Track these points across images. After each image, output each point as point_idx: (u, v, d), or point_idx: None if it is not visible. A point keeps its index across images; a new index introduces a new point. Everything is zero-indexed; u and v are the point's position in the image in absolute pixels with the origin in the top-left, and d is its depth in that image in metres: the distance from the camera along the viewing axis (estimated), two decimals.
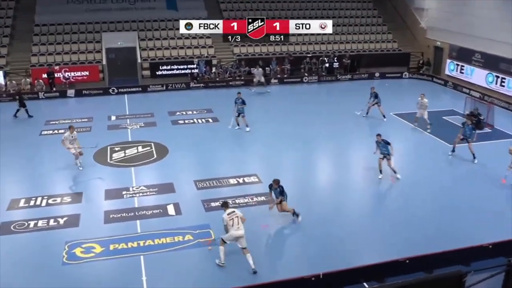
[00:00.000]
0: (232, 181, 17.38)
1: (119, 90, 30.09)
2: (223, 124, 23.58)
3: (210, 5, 36.86)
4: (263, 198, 15.99)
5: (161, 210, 15.25)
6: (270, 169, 18.73)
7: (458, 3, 32.83)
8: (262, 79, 30.80)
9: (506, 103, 27.87)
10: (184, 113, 25.69)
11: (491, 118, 23.89)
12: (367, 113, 24.39)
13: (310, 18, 35.65)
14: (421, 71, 35.60)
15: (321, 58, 34.39)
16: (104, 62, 31.82)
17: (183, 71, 32.32)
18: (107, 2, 34.75)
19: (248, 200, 15.96)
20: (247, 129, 22.32)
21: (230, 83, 32.08)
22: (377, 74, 34.98)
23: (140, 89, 30.55)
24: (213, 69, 32.55)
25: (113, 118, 24.90)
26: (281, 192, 14.21)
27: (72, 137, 18.17)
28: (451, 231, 14.07)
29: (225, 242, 12.18)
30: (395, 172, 17.48)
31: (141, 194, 16.34)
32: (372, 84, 26.52)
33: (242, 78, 32.50)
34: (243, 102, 22.20)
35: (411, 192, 16.76)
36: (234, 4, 37.56)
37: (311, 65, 34.13)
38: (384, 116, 24.05)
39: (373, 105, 24.26)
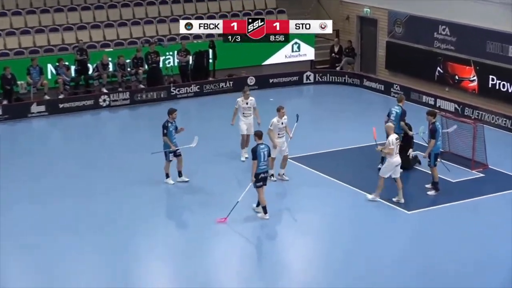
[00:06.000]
0: None
1: None
2: None
3: None
4: None
5: None
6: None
7: None
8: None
9: (494, 114, 29.21)
10: None
11: (481, 151, 24.46)
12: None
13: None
14: (337, 68, 35.36)
15: (134, 56, 33.06)
16: None
17: None
18: None
19: None
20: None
21: None
22: (251, 81, 34.22)
23: None
24: None
25: None
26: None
27: None
28: None
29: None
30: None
31: None
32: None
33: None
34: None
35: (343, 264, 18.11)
36: None
37: (121, 69, 32.73)
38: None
39: None
